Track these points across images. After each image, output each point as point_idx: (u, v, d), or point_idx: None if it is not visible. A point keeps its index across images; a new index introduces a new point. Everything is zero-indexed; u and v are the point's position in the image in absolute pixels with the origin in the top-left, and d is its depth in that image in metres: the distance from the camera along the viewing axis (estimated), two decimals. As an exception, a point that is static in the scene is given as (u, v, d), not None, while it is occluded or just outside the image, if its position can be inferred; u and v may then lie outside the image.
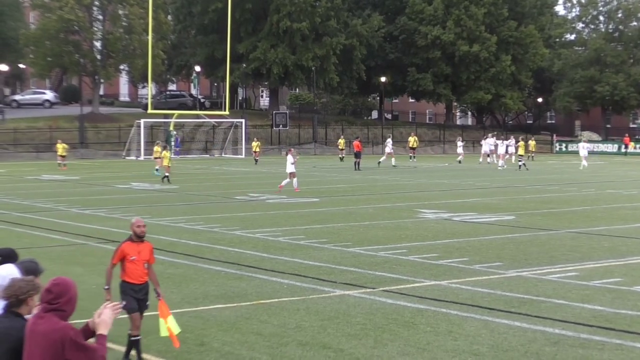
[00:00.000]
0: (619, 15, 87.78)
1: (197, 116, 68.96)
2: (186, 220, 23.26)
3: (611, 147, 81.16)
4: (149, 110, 64.80)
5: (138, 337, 10.08)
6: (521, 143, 53.40)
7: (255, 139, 60.26)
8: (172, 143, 65.33)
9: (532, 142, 67.45)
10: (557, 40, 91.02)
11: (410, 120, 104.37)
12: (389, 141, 56.56)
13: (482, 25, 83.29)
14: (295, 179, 33.44)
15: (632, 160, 65.51)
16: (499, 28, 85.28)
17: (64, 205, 27.89)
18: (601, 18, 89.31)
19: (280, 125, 73.58)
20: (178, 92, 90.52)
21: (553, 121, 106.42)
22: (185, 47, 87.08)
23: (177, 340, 9.88)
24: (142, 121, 63.61)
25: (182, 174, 42.20)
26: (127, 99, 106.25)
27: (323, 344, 10.70)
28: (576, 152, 73.27)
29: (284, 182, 33.22)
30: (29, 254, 14.21)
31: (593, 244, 19.16)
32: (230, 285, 14.44)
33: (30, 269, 7.30)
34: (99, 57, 75.98)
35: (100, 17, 77.17)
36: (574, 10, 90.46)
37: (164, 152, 39.64)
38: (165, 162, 38.40)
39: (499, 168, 51.39)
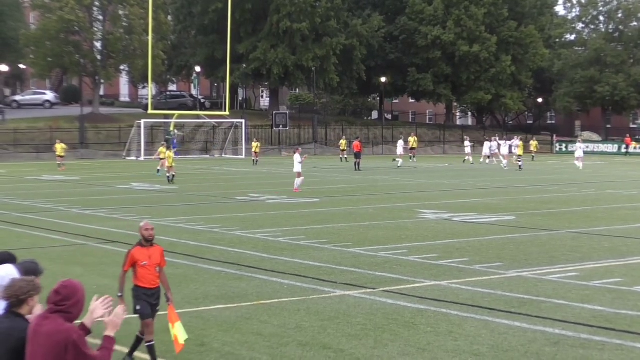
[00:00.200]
0: (619, 15, 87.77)
1: (198, 116, 68.97)
2: (186, 221, 23.27)
3: (611, 148, 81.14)
4: (149, 111, 64.81)
5: (152, 342, 9.97)
6: (520, 143, 53.39)
7: (255, 140, 60.25)
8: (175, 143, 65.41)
9: (533, 143, 67.49)
10: (557, 40, 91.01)
11: (410, 120, 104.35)
12: (401, 142, 56.47)
13: (482, 25, 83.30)
14: (299, 179, 33.53)
15: (632, 161, 65.50)
16: (499, 28, 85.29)
17: (64, 205, 27.90)
18: (601, 18, 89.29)
19: (281, 126, 73.57)
20: (178, 93, 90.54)
21: (553, 121, 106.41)
22: (186, 48, 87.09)
23: (178, 346, 9.79)
24: (142, 121, 63.62)
25: (183, 174, 42.18)
26: (127, 99, 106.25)
27: (323, 344, 10.70)
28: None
29: (296, 183, 33.32)
30: (29, 254, 14.22)
31: (593, 244, 19.16)
32: (231, 285, 14.45)
33: (31, 270, 7.30)
34: (99, 57, 75.99)
35: (101, 17, 77.18)
36: (574, 10, 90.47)
37: (168, 152, 39.62)
38: (169, 163, 38.39)
39: (505, 168, 51.27)
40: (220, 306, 12.83)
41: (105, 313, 5.69)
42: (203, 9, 78.31)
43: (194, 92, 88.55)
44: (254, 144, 57.17)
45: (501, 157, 55.31)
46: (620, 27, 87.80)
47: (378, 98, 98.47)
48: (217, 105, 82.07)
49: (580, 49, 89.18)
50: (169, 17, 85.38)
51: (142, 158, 62.62)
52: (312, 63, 77.81)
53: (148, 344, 9.98)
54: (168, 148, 40.39)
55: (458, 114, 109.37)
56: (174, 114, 66.58)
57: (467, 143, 61.10)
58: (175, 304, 10.24)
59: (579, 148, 54.10)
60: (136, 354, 10.21)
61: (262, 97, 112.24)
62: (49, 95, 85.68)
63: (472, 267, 16.08)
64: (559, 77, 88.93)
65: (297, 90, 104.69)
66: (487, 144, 59.98)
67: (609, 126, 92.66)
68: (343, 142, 61.48)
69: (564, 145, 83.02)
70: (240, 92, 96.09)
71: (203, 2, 77.96)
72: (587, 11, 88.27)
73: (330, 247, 18.55)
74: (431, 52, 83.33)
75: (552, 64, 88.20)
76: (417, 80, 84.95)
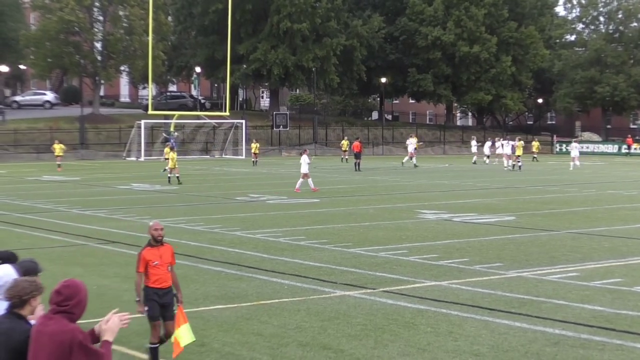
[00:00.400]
0: (619, 15, 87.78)
1: (198, 117, 68.98)
2: (186, 221, 23.27)
3: (611, 148, 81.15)
4: (150, 111, 64.83)
5: (157, 345, 9.93)
6: (519, 143, 53.41)
7: (254, 140, 60.21)
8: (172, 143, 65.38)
9: (535, 143, 67.51)
10: (558, 41, 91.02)
11: (410, 121, 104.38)
12: (412, 141, 56.48)
13: (483, 26, 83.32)
14: (302, 180, 33.58)
15: (633, 161, 65.50)
16: (499, 29, 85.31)
17: (64, 206, 27.90)
18: (601, 19, 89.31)
19: (281, 126, 73.58)
20: (178, 93, 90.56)
21: (553, 122, 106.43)
22: (186, 48, 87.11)
23: (177, 350, 9.64)
24: (142, 122, 63.66)
25: (183, 174, 42.15)
26: (127, 100, 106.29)
27: (323, 344, 10.70)
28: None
29: (311, 184, 33.30)
30: (29, 254, 14.20)
31: (593, 245, 19.15)
32: (231, 285, 14.44)
33: (30, 269, 7.29)
34: (99, 58, 76.03)
35: (101, 18, 77.23)
36: (574, 11, 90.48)
37: (171, 153, 39.58)
38: (171, 164, 38.27)
39: (506, 168, 51.24)
40: (220, 306, 12.83)
41: (119, 328, 5.67)
42: (203, 10, 78.33)
43: (194, 92, 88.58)
44: (253, 145, 57.14)
45: (503, 158, 55.34)
46: (621, 27, 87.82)
47: (378, 98, 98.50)
48: (217, 106, 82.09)
49: (580, 49, 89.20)
50: (169, 18, 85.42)
51: (142, 158, 62.66)
52: (313, 63, 77.83)
53: (152, 345, 9.90)
54: (172, 149, 40.21)
55: (458, 114, 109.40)
56: (174, 115, 66.58)
57: (473, 143, 60.89)
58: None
59: (574, 148, 54.35)
60: (136, 353, 10.20)
61: (262, 97, 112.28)
62: (49, 96, 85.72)
63: (472, 267, 16.07)
64: (559, 78, 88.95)
65: (297, 90, 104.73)
66: (487, 144, 60.01)
67: (609, 127, 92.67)
68: (345, 142, 61.46)
69: (564, 145, 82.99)
70: (241, 92, 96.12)
71: (203, 2, 77.99)
72: (587, 12, 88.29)
73: (330, 248, 18.55)
74: (431, 52, 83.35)
75: (552, 65, 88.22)
76: (417, 80, 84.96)
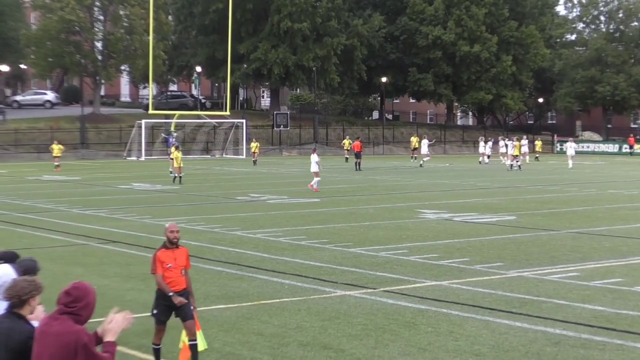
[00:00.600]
0: (620, 15, 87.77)
1: (198, 116, 68.99)
2: (187, 221, 23.25)
3: (612, 147, 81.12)
4: (150, 111, 64.83)
5: (158, 347, 9.84)
6: (517, 144, 53.44)
7: (254, 140, 60.19)
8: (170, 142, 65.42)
9: (538, 143, 67.53)
10: (558, 40, 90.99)
11: (411, 120, 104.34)
12: (425, 141, 56.47)
13: (483, 25, 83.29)
14: (317, 179, 33.64)
15: (633, 161, 65.48)
16: (499, 28, 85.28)
17: (64, 205, 27.91)
18: (602, 18, 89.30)
19: (281, 126, 73.58)
20: (179, 93, 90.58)
21: (554, 121, 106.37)
22: (186, 48, 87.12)
23: (184, 355, 9.56)
24: (143, 122, 63.66)
25: (183, 174, 42.15)
26: (128, 99, 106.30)
27: (324, 344, 10.70)
28: (577, 153, 73.46)
29: (315, 184, 33.38)
30: (29, 254, 14.19)
31: (594, 244, 19.15)
32: (231, 285, 14.44)
33: (30, 268, 7.29)
34: (100, 57, 76.04)
35: (101, 17, 77.24)
36: (574, 10, 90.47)
37: (175, 152, 39.35)
38: (176, 163, 38.14)
39: (515, 168, 51.27)
40: (220, 306, 12.83)
41: (124, 327, 5.66)
42: (204, 9, 78.33)
43: (194, 92, 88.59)
44: (253, 144, 57.10)
45: (503, 158, 55.38)
46: (621, 27, 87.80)
47: (379, 98, 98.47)
48: (217, 105, 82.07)
49: (581, 48, 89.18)
50: (170, 17, 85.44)
51: (142, 158, 62.67)
52: (313, 63, 77.82)
53: (155, 346, 9.86)
54: (177, 148, 39.96)
55: (459, 114, 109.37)
56: (174, 114, 66.61)
57: (482, 143, 60.67)
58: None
59: (570, 147, 54.52)
60: (136, 353, 10.20)
61: (263, 97, 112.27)
62: (50, 96, 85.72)
63: (473, 267, 16.07)
64: (560, 77, 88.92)
65: (298, 90, 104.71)
66: (488, 144, 59.95)
67: (609, 126, 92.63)
68: (346, 142, 61.39)
69: (564, 145, 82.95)
70: (241, 92, 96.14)
71: (204, 2, 77.98)
72: (588, 11, 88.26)
73: (330, 247, 18.55)
74: (432, 52, 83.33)
75: (552, 64, 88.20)
76: (417, 80, 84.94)
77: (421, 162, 53.96)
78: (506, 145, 56.55)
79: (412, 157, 59.41)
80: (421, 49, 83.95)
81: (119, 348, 10.01)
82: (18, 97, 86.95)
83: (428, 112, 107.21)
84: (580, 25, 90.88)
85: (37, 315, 5.98)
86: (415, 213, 25.38)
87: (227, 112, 67.45)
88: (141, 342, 10.43)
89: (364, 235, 20.48)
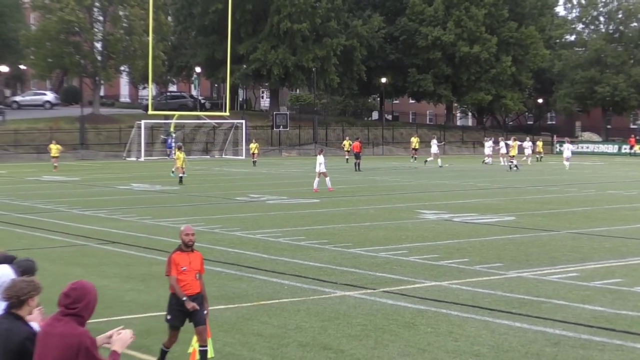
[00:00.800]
0: (619, 15, 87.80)
1: (198, 117, 69.01)
2: (187, 221, 23.16)
3: (612, 148, 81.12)
4: (150, 112, 64.87)
5: (167, 350, 9.77)
6: (513, 144, 53.49)
7: (253, 140, 60.16)
8: (169, 143, 65.47)
9: (539, 143, 67.59)
10: (558, 41, 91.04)
11: (410, 121, 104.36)
12: (435, 142, 56.41)
13: (483, 26, 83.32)
14: (327, 178, 33.63)
15: (633, 161, 65.50)
16: (499, 29, 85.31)
17: (64, 206, 27.90)
18: (601, 19, 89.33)
19: (281, 126, 73.59)
20: (178, 93, 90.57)
21: (553, 122, 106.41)
22: (186, 48, 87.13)
23: None
24: (142, 122, 63.66)
25: (184, 175, 42.16)
26: (127, 100, 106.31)
27: (323, 344, 10.70)
28: (577, 153, 73.51)
29: (315, 183, 33.46)
30: (29, 254, 14.20)
31: (594, 245, 19.15)
32: (231, 286, 14.43)
33: (28, 268, 7.27)
34: (99, 58, 76.05)
35: (101, 18, 77.24)
36: (574, 11, 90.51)
37: (178, 153, 39.33)
38: (179, 164, 38.07)
39: (507, 170, 51.29)
40: (220, 307, 12.81)
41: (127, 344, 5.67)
42: (203, 10, 78.33)
43: (194, 92, 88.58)
44: (253, 145, 57.09)
45: (502, 159, 55.42)
46: (621, 27, 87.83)
47: (378, 98, 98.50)
48: (217, 106, 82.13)
49: (580, 49, 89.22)
50: (169, 18, 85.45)
51: (142, 159, 62.67)
52: (313, 64, 77.83)
53: (164, 348, 9.79)
54: (180, 149, 39.87)
55: (458, 114, 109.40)
56: (174, 115, 66.62)
57: (487, 144, 60.60)
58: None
59: (567, 149, 54.68)
60: (136, 354, 10.19)
61: (263, 97, 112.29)
62: (49, 96, 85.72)
63: (473, 267, 16.07)
64: (559, 78, 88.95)
65: (298, 90, 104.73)
66: (489, 143, 59.89)
67: (609, 127, 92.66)
68: (346, 143, 61.38)
69: (563, 146, 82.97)
70: (241, 92, 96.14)
71: (203, 2, 77.99)
72: (587, 12, 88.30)
73: (330, 248, 18.54)
74: (431, 52, 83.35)
75: (552, 65, 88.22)
76: (417, 80, 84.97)
77: (433, 161, 54.01)
78: (506, 145, 56.59)
79: (412, 157, 59.41)
80: (421, 49, 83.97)
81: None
82: (18, 98, 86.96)
83: (428, 112, 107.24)
84: (580, 26, 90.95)
85: (35, 317, 5.97)
86: (415, 213, 25.37)
87: (227, 113, 67.48)
88: (141, 342, 10.41)
89: (364, 236, 20.47)
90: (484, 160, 58.99)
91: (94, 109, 76.40)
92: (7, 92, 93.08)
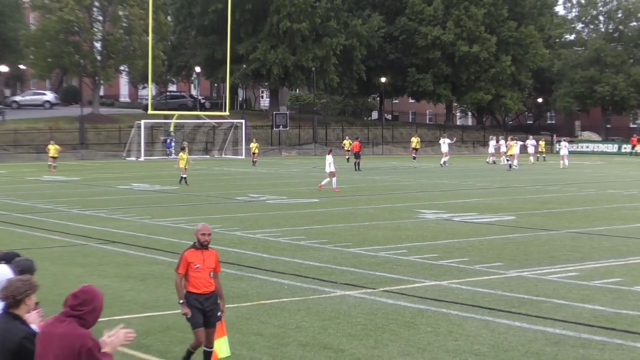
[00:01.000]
0: (619, 15, 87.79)
1: (197, 117, 69.00)
2: (186, 221, 23.25)
3: (611, 147, 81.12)
4: (149, 111, 64.85)
5: (211, 350, 9.55)
6: (511, 143, 53.48)
7: (254, 140, 60.16)
8: (168, 143, 65.47)
9: (542, 143, 67.63)
10: (557, 40, 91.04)
11: (410, 120, 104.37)
12: (447, 140, 56.32)
13: (482, 25, 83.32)
14: (334, 178, 33.63)
15: (633, 160, 65.50)
16: (498, 28, 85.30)
17: (64, 206, 27.90)
18: (601, 18, 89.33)
19: (281, 126, 73.59)
20: (178, 93, 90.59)
21: (553, 121, 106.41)
22: (185, 48, 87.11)
23: None
24: (142, 122, 63.64)
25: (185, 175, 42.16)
26: (127, 99, 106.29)
27: (324, 344, 10.70)
28: (576, 153, 73.58)
29: (324, 182, 33.54)
30: (29, 254, 14.19)
31: (593, 244, 19.15)
32: (231, 285, 14.42)
33: (26, 268, 7.27)
34: (99, 58, 76.04)
35: (101, 18, 77.24)
36: (573, 10, 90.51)
37: (181, 153, 39.03)
38: (182, 164, 37.83)
39: (514, 167, 51.35)
40: (220, 306, 12.80)
41: (123, 343, 5.65)
42: (203, 10, 78.32)
43: (193, 92, 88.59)
44: (253, 145, 57.07)
45: (503, 158, 55.47)
46: (620, 27, 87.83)
47: (378, 98, 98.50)
48: (217, 106, 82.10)
49: (580, 49, 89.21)
50: (169, 18, 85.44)
51: (142, 158, 62.66)
52: (312, 63, 77.82)
53: (206, 349, 9.57)
54: (183, 149, 39.50)
55: (458, 114, 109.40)
56: (173, 115, 66.61)
57: (491, 143, 60.49)
58: (175, 305, 10.15)
59: (563, 147, 54.74)
60: (136, 353, 10.19)
61: (262, 97, 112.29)
62: (49, 96, 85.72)
63: (472, 267, 16.07)
64: (559, 77, 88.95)
65: (297, 90, 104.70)
66: (491, 143, 59.84)
67: (608, 126, 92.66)
68: (347, 142, 61.33)
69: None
70: (240, 92, 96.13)
71: (203, 2, 77.98)
72: (587, 11, 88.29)
73: (330, 247, 18.54)
74: (431, 52, 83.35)
75: (551, 64, 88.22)
76: (417, 80, 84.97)
77: (443, 161, 54.04)
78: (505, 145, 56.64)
79: (413, 157, 59.41)
80: (420, 49, 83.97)
81: (120, 348, 10.02)
82: (17, 98, 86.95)
83: (427, 112, 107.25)
84: (579, 26, 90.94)
85: (33, 319, 5.96)
86: (415, 213, 25.37)
87: (227, 113, 67.48)
88: (141, 342, 10.42)
89: (364, 235, 20.47)
90: (490, 160, 58.88)
91: (93, 109, 76.39)
92: (7, 92, 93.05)
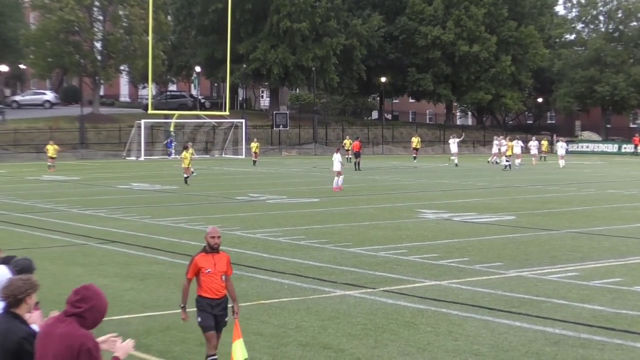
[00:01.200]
0: (619, 15, 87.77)
1: (198, 116, 68.97)
2: (187, 221, 23.26)
3: (611, 147, 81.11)
4: (149, 111, 64.82)
5: (214, 357, 9.46)
6: (510, 144, 53.44)
7: (255, 140, 60.15)
8: (169, 143, 65.44)
9: (544, 143, 67.61)
10: (557, 40, 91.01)
11: (410, 120, 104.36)
12: (456, 139, 56.27)
13: (482, 25, 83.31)
14: (341, 177, 33.64)
15: (633, 160, 65.49)
16: (499, 28, 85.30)
17: (64, 205, 27.90)
18: (601, 18, 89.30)
19: (281, 126, 73.59)
20: (178, 93, 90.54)
21: (553, 121, 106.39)
22: (186, 48, 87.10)
23: None
24: (142, 122, 63.61)
25: (182, 174, 42.15)
26: (127, 99, 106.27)
27: (323, 344, 10.70)
28: (576, 152, 73.59)
29: (339, 182, 33.52)
30: (29, 254, 14.20)
31: (593, 244, 19.15)
32: (231, 285, 14.42)
33: (25, 267, 7.27)
34: (99, 57, 76.02)
35: (101, 17, 77.23)
36: (573, 10, 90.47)
37: (184, 152, 38.91)
38: (185, 164, 37.72)
39: (515, 167, 51.39)
40: (220, 306, 12.80)
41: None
42: (203, 9, 78.31)
43: (194, 92, 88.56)
44: (254, 144, 57.05)
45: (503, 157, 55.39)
46: (620, 26, 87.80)
47: (378, 98, 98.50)
48: (217, 105, 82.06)
49: (580, 48, 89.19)
50: (169, 17, 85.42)
51: (142, 158, 62.65)
52: (312, 63, 77.81)
53: (210, 357, 9.46)
54: (186, 149, 39.36)
55: (458, 113, 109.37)
56: (174, 114, 66.60)
57: (495, 142, 60.34)
58: (175, 304, 10.17)
59: (561, 147, 54.74)
60: (136, 353, 10.18)
61: (262, 97, 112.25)
62: (49, 96, 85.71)
63: (472, 266, 16.07)
64: (559, 77, 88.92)
65: (297, 90, 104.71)
66: (495, 143, 59.70)
67: (609, 126, 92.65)
68: (347, 142, 61.25)
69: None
70: (240, 92, 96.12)
71: (203, 2, 77.96)
72: (587, 11, 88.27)
73: (330, 247, 18.54)
74: (431, 52, 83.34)
75: (552, 64, 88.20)
76: (417, 80, 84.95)
77: (451, 159, 54.07)
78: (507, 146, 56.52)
79: (413, 157, 59.37)
80: (420, 49, 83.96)
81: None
82: (17, 97, 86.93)
83: (427, 112, 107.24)
84: (580, 25, 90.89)
85: (35, 319, 5.96)
86: (415, 213, 25.38)
87: (227, 112, 67.46)
88: (141, 342, 10.42)
89: (364, 235, 20.48)
90: (492, 160, 58.78)
91: (93, 109, 76.37)
92: (7, 92, 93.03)
